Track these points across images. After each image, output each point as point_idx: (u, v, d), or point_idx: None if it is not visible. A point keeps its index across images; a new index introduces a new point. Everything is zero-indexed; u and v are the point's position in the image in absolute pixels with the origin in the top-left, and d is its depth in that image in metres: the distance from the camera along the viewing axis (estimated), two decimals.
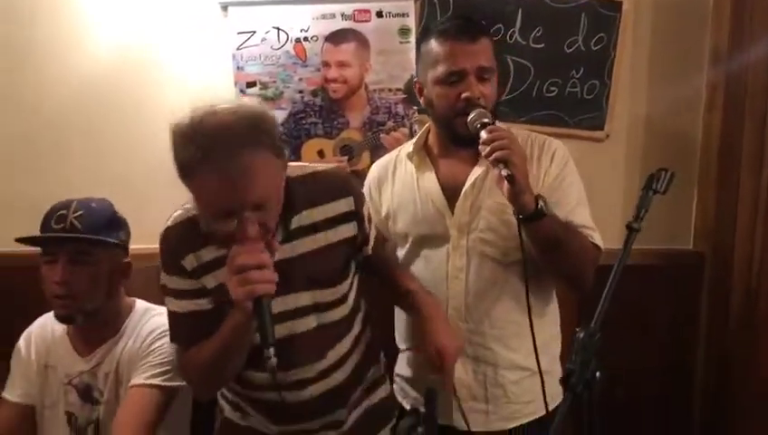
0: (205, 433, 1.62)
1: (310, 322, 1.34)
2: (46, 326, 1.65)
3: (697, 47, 2.07)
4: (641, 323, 2.12)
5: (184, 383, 1.52)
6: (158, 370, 1.52)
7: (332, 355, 1.38)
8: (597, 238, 1.49)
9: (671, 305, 2.15)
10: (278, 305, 1.25)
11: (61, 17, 2.00)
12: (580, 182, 1.54)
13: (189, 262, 1.29)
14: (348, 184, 1.40)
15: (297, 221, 1.31)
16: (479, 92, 1.42)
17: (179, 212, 1.32)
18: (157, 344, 1.55)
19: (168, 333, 1.42)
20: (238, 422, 1.47)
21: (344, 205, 1.35)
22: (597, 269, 1.43)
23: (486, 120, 1.37)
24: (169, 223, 1.32)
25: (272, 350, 1.11)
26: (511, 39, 2.03)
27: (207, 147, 1.12)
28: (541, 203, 1.34)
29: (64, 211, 1.54)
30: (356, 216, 1.36)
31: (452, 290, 1.52)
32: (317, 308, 1.34)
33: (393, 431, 1.49)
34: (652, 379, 2.15)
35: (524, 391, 1.52)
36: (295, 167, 1.37)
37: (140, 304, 1.65)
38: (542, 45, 2.03)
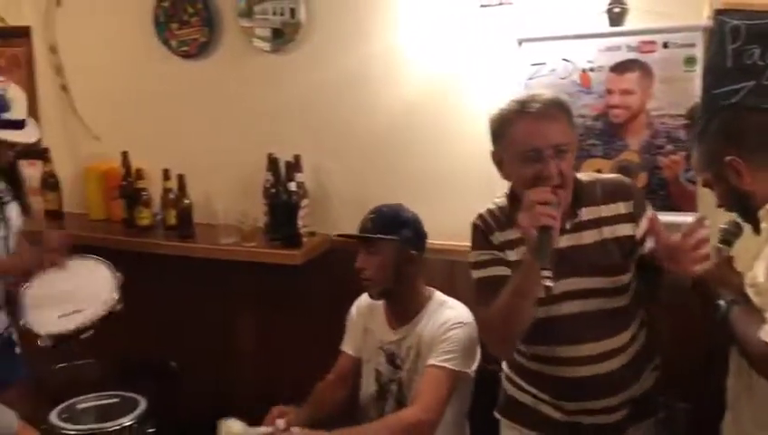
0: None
1: (591, 304, 1.61)
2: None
3: None
4: None
5: (469, 370, 1.90)
6: (450, 356, 1.89)
7: (608, 343, 1.63)
8: None
9: None
10: (564, 286, 1.57)
11: (392, 51, 2.45)
12: None
13: (496, 238, 1.67)
14: (629, 189, 1.67)
15: (583, 215, 1.61)
16: None
17: (490, 205, 1.72)
18: (450, 333, 1.91)
19: (459, 325, 1.82)
20: (520, 400, 1.78)
21: (624, 207, 1.63)
22: None
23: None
24: (482, 211, 1.72)
25: (548, 272, 1.39)
26: None
27: (525, 100, 1.55)
28: None
29: (368, 214, 2.03)
30: (633, 218, 1.62)
31: None
32: (599, 293, 1.61)
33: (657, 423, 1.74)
34: None
35: None
36: (583, 174, 1.71)
37: (438, 295, 2.05)
38: None
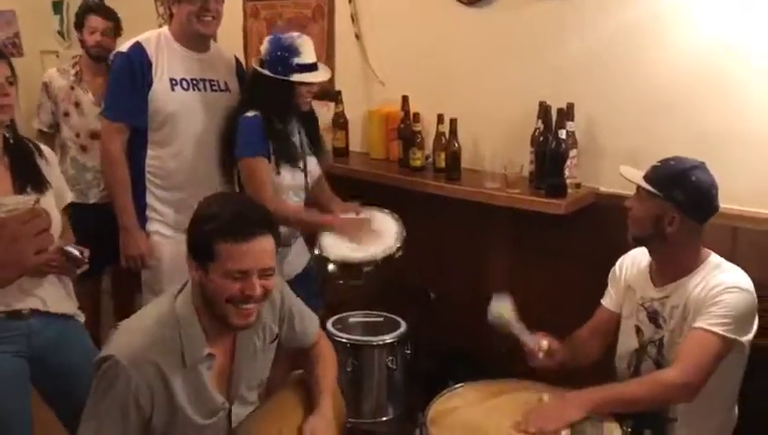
0: None
1: None
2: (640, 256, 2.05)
3: None
4: None
5: (742, 339, 1.76)
6: (720, 320, 1.76)
7: None
8: None
9: None
10: None
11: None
12: None
13: None
14: None
15: None
16: None
17: None
18: (724, 297, 1.78)
19: (734, 289, 1.72)
20: None
21: None
22: None
23: None
24: None
25: None
26: None
27: None
28: None
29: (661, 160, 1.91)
30: None
31: None
32: None
33: None
34: None
35: None
36: None
37: (714, 257, 1.90)
38: None
